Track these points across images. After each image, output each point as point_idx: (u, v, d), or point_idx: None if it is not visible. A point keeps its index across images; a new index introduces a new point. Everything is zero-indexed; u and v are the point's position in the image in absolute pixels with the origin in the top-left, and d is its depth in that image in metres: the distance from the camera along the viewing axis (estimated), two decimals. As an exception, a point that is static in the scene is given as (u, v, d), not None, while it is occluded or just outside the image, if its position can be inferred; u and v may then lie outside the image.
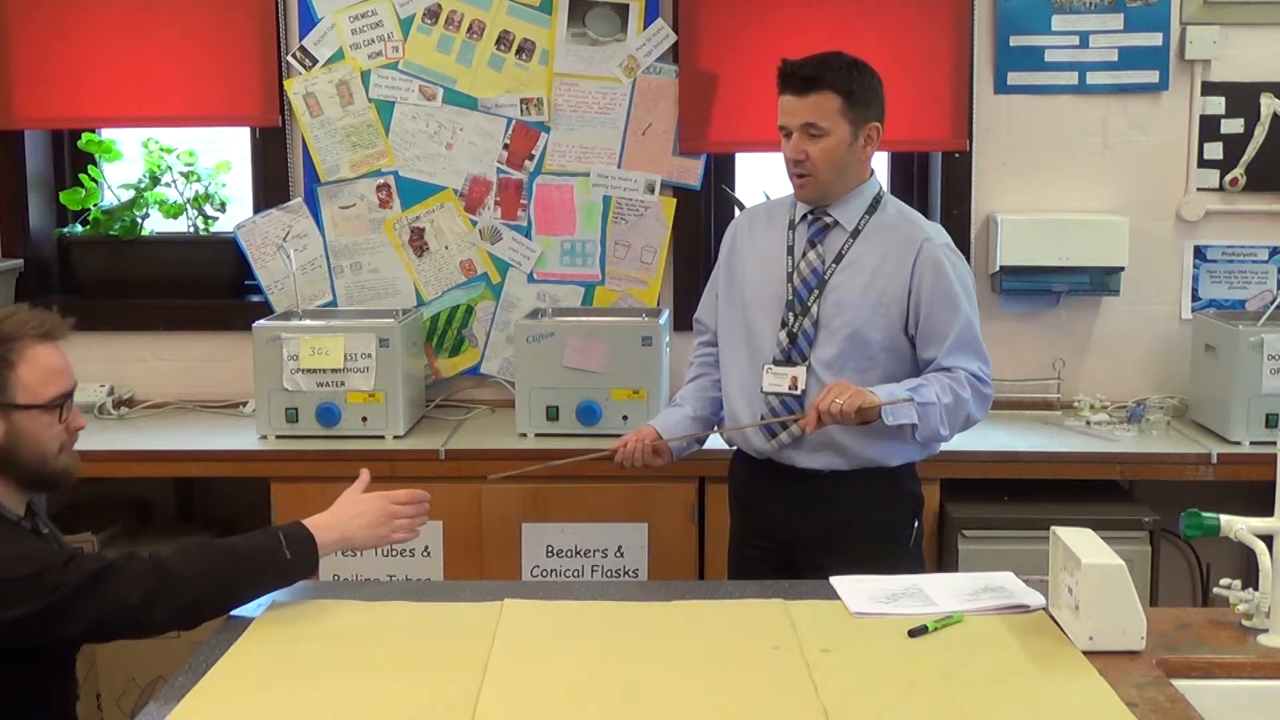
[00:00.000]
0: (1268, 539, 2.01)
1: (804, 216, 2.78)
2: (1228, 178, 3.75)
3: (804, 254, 2.75)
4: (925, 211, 3.95)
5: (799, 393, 2.70)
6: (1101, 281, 3.68)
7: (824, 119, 2.65)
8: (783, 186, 3.96)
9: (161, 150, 3.97)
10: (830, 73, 2.65)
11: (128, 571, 2.05)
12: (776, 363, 2.73)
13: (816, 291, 2.72)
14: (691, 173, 3.80)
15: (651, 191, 3.80)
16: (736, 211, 3.67)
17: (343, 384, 3.43)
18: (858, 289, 2.70)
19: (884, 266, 2.70)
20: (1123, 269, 3.67)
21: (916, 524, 2.81)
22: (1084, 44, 3.72)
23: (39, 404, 2.13)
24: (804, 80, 2.65)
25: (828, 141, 2.66)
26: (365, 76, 3.79)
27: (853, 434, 2.67)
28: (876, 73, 2.73)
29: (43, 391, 2.14)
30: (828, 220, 2.76)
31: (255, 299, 3.96)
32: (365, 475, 2.40)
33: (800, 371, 2.69)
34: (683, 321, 3.62)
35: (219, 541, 2.24)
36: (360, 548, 2.36)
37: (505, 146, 3.80)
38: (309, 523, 2.25)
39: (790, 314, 2.73)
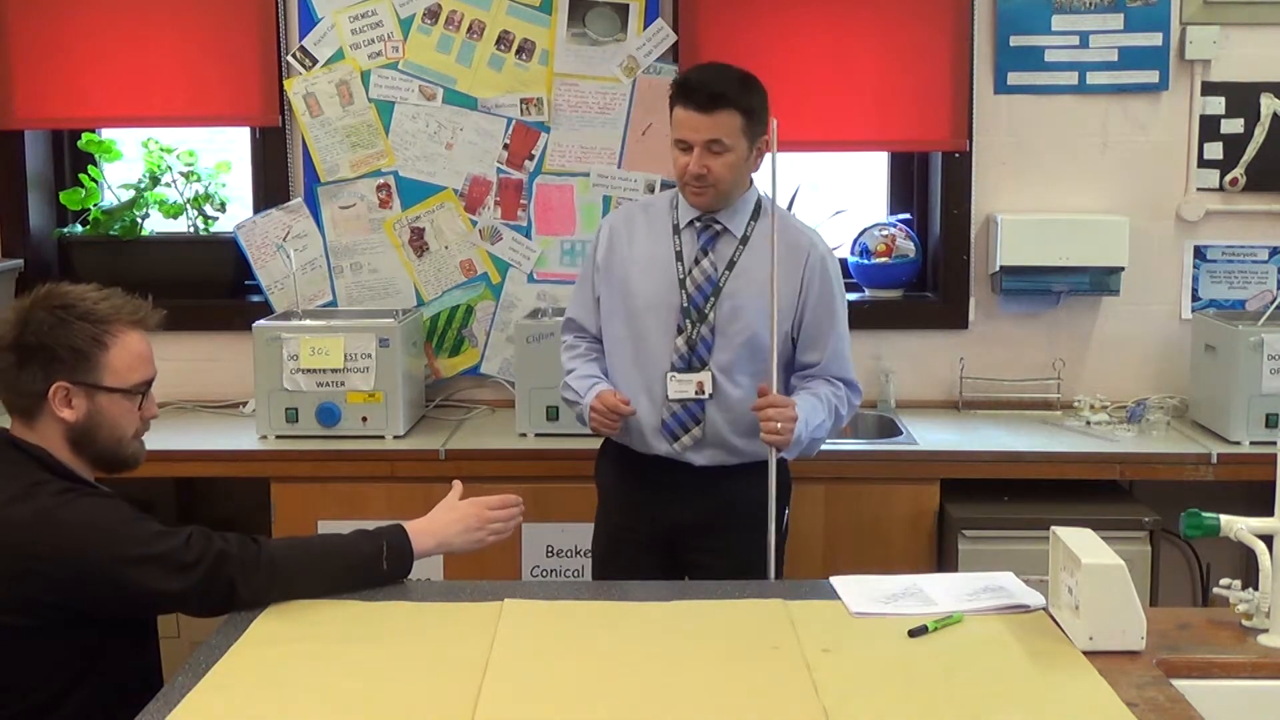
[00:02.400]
0: (1268, 539, 2.01)
1: (690, 222, 2.80)
2: (1228, 178, 3.75)
3: (696, 261, 2.78)
4: (925, 212, 3.97)
5: (706, 396, 2.75)
6: (1101, 281, 3.68)
7: (728, 136, 2.67)
8: (780, 188, 3.95)
9: (161, 150, 3.97)
10: (733, 91, 2.67)
11: (242, 558, 2.11)
12: (677, 369, 2.76)
13: (712, 299, 2.75)
14: (691, 173, 3.79)
15: (651, 191, 3.79)
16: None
17: (343, 384, 3.44)
18: (752, 296, 2.74)
19: (775, 273, 2.71)
20: (1123, 269, 3.67)
21: (786, 510, 2.88)
22: (1084, 44, 3.72)
23: (123, 388, 2.17)
24: (710, 98, 2.66)
25: (729, 158, 2.69)
26: (365, 76, 3.79)
27: (742, 436, 2.77)
28: (761, 84, 2.76)
29: (129, 376, 2.18)
30: (717, 228, 2.79)
31: (255, 299, 3.96)
32: (458, 486, 2.47)
33: (705, 376, 2.75)
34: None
35: (324, 542, 2.33)
36: (457, 552, 2.44)
37: (505, 146, 3.80)
38: (409, 527, 2.31)
39: (686, 321, 2.76)
